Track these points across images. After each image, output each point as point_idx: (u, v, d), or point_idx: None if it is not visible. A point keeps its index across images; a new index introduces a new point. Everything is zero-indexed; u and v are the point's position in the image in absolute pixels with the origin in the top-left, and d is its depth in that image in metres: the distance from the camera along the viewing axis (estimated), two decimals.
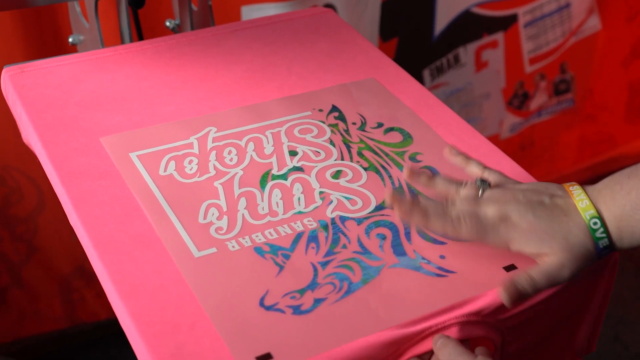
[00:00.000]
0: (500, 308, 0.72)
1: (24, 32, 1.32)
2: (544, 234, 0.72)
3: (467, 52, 1.84)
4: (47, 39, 1.34)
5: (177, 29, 1.19)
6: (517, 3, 1.84)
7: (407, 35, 1.74)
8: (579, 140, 2.19)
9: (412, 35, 1.74)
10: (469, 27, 1.81)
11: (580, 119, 2.15)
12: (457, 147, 0.88)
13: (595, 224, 0.72)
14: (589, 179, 2.22)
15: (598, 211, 0.72)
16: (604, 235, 0.71)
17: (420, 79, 1.81)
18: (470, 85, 1.90)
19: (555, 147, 2.16)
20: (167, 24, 1.20)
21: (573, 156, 2.20)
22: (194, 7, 1.16)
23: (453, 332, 0.71)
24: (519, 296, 0.71)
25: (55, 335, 1.69)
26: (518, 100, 2.00)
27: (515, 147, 2.07)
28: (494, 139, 2.01)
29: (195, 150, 0.85)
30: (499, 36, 1.86)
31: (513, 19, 1.86)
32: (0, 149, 1.41)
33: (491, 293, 0.72)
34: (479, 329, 0.73)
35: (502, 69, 1.92)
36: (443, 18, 1.76)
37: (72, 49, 1.18)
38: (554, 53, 1.97)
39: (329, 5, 1.56)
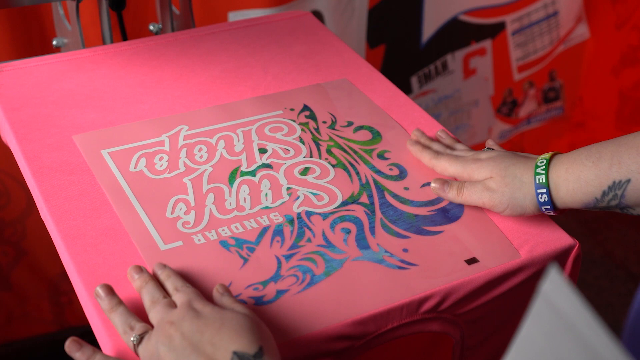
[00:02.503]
0: (458, 302, 0.74)
1: (10, 35, 1.33)
2: (493, 162, 0.80)
3: (455, 60, 1.85)
4: (33, 41, 1.36)
5: (160, 33, 1.21)
6: (505, 11, 1.86)
7: (394, 42, 1.75)
8: (569, 148, 2.20)
9: (399, 42, 1.76)
10: (457, 34, 1.82)
11: (570, 126, 2.17)
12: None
13: (541, 162, 0.77)
14: None
15: (552, 157, 0.78)
16: (542, 169, 0.76)
17: (408, 85, 1.82)
18: (459, 93, 1.91)
19: None
20: (151, 27, 1.22)
21: None
22: (176, 11, 1.17)
23: (410, 327, 0.72)
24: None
25: (45, 340, 1.70)
26: (507, 107, 2.01)
27: None
28: (483, 146, 2.02)
29: (166, 147, 0.87)
30: (487, 44, 1.88)
31: (501, 26, 1.87)
32: None
33: (450, 286, 0.73)
34: (436, 324, 0.74)
35: (490, 76, 1.93)
36: (430, 25, 1.77)
37: (56, 51, 1.20)
38: (542, 61, 1.99)
39: (315, 12, 1.58)
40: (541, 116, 2.10)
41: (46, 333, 1.69)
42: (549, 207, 0.76)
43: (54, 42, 1.17)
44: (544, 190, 0.75)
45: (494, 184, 0.78)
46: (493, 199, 0.78)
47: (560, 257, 0.78)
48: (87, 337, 1.76)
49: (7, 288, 1.60)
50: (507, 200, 0.77)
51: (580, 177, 0.74)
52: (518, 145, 2.10)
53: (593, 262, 2.06)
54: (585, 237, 2.10)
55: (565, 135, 2.17)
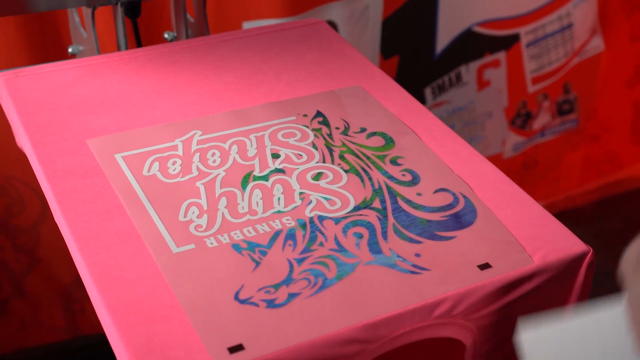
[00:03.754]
0: (471, 307, 0.73)
1: (26, 42, 1.35)
2: None
3: (468, 71, 1.85)
4: (49, 49, 1.37)
5: (175, 41, 1.22)
6: (519, 23, 1.86)
7: (408, 53, 1.75)
8: (583, 161, 2.19)
9: (413, 53, 1.76)
10: (471, 45, 1.82)
11: (585, 139, 2.16)
12: (438, 151, 0.90)
13: None
14: (595, 200, 2.22)
15: None
16: None
17: (422, 96, 1.82)
18: (472, 104, 1.91)
19: (560, 167, 2.16)
20: (166, 35, 1.23)
21: (578, 177, 2.20)
22: (191, 19, 1.18)
23: (422, 332, 0.72)
24: None
25: (57, 348, 1.70)
26: (521, 119, 2.01)
27: (519, 167, 2.08)
28: (497, 158, 2.02)
29: (180, 152, 0.87)
30: (501, 55, 1.88)
31: (515, 38, 1.87)
32: (3, 159, 1.44)
33: (463, 291, 0.73)
34: (448, 330, 0.73)
35: (504, 88, 1.93)
36: (444, 36, 1.77)
37: (71, 59, 1.20)
38: (556, 73, 1.98)
39: (329, 23, 1.58)
40: (555, 128, 2.09)
41: (59, 341, 1.69)
42: None
43: (70, 50, 1.18)
44: None
45: None
46: None
47: (573, 264, 0.78)
48: (100, 346, 1.76)
49: (21, 295, 1.60)
50: None
51: None
52: (532, 158, 2.10)
53: (608, 275, 2.04)
54: (600, 250, 2.09)
55: (580, 147, 2.16)
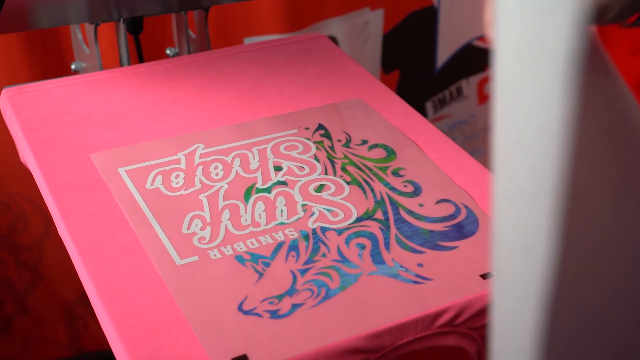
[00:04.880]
0: (474, 316, 0.73)
1: (29, 60, 1.35)
2: None
3: (469, 85, 1.86)
4: (52, 66, 1.38)
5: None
6: None
7: (409, 68, 1.76)
8: None
9: (414, 67, 1.77)
10: (471, 59, 1.83)
11: None
12: (440, 162, 0.90)
13: None
14: None
15: None
16: None
17: (423, 111, 1.83)
18: (474, 118, 1.91)
19: None
20: (168, 52, 1.24)
21: None
22: (192, 35, 1.19)
23: (426, 341, 0.72)
24: None
25: None
26: None
27: None
28: None
29: (183, 165, 0.88)
30: None
31: None
32: (7, 176, 1.44)
33: (465, 300, 0.73)
34: (451, 339, 0.74)
35: None
36: (445, 51, 1.78)
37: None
38: None
39: (330, 38, 1.59)
40: None
41: (62, 357, 1.69)
42: None
43: (73, 66, 1.19)
44: None
45: None
46: None
47: None
48: None
49: (24, 312, 1.61)
50: None
51: None
52: None
53: None
54: None
55: None
